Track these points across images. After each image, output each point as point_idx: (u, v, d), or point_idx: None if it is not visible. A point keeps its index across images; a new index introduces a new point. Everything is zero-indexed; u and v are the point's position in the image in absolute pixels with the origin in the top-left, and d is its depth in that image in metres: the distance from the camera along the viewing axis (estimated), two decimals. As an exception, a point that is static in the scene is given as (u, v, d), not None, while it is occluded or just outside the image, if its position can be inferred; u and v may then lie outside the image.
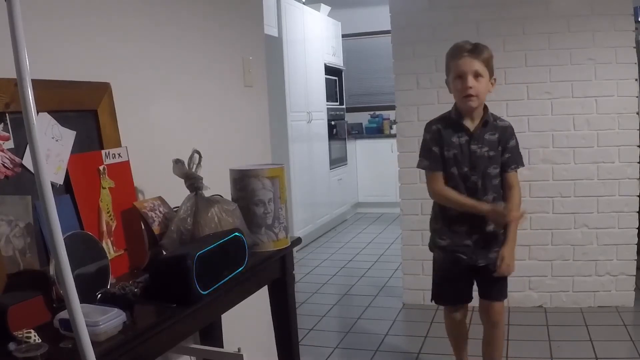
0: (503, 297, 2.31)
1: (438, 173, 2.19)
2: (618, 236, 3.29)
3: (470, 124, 2.18)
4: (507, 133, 2.20)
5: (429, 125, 2.24)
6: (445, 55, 2.22)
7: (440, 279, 2.35)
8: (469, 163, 2.16)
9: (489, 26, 3.35)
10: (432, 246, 2.35)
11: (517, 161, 2.23)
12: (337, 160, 6.47)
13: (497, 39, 3.34)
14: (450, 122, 2.20)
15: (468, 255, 2.22)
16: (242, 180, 1.76)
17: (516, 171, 2.23)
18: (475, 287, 2.37)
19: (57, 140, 1.46)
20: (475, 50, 2.12)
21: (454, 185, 2.18)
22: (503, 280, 2.28)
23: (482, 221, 2.18)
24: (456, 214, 2.20)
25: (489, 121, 2.18)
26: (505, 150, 2.19)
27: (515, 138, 2.23)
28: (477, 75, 2.10)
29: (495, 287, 2.28)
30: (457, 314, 2.37)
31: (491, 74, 2.17)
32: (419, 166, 2.25)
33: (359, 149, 7.07)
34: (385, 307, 3.63)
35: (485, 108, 2.20)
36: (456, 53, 2.14)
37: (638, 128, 3.23)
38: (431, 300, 2.43)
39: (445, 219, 2.25)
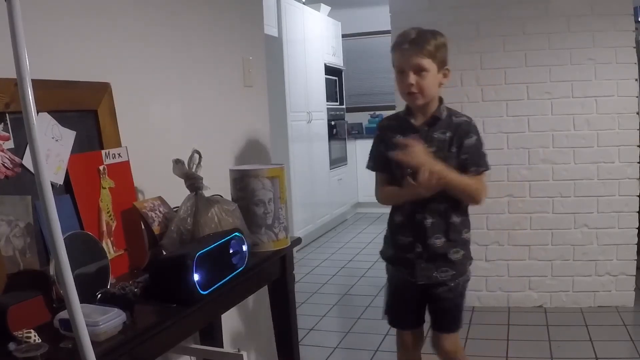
0: (455, 328, 1.97)
1: (381, 176, 1.96)
2: (618, 236, 3.29)
3: (418, 122, 1.88)
4: (461, 130, 1.84)
5: (381, 121, 2.04)
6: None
7: (389, 295, 2.05)
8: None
9: (489, 26, 3.35)
10: (381, 256, 2.07)
11: (478, 162, 1.85)
12: (337, 160, 6.47)
13: (497, 39, 3.34)
14: (398, 120, 1.95)
15: (408, 271, 1.92)
16: (242, 180, 1.77)
17: (479, 174, 1.85)
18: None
19: (57, 140, 1.46)
20: (419, 40, 1.79)
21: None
22: (455, 308, 1.95)
23: (427, 234, 1.87)
24: (400, 222, 1.93)
25: (439, 118, 1.86)
26: (460, 149, 1.84)
27: (476, 136, 1.86)
28: (419, 70, 1.79)
29: (445, 316, 1.96)
30: (406, 341, 2.04)
31: (441, 65, 1.83)
32: (366, 166, 2.01)
33: (359, 149, 7.06)
34: (385, 307, 3.63)
35: (440, 102, 1.89)
36: (397, 44, 1.84)
37: (638, 128, 3.23)
38: (382, 318, 2.12)
39: (391, 226, 1.99)
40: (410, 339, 2.04)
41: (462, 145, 1.84)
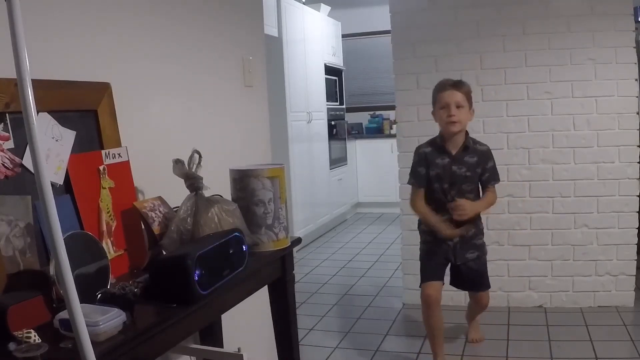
0: (488, 286, 2.73)
1: (420, 190, 2.60)
2: (618, 236, 3.29)
3: (452, 148, 2.55)
4: (485, 156, 2.58)
5: (417, 149, 2.64)
6: (433, 88, 2.58)
7: (429, 255, 2.65)
8: (449, 180, 2.54)
9: (489, 26, 3.35)
10: (420, 233, 2.72)
11: (495, 178, 2.63)
12: (337, 160, 6.47)
13: (497, 39, 3.34)
14: (436, 146, 2.58)
15: (446, 255, 2.62)
16: (242, 180, 1.77)
17: (494, 186, 2.63)
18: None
19: (57, 140, 1.46)
20: (458, 84, 2.52)
21: (436, 197, 2.57)
22: (484, 274, 2.69)
23: (458, 227, 2.56)
24: (445, 219, 2.57)
25: (469, 146, 2.56)
26: (485, 171, 2.58)
27: (493, 158, 2.61)
28: (458, 105, 2.47)
29: (480, 280, 2.70)
30: (432, 292, 2.57)
31: (470, 105, 2.53)
32: (408, 182, 2.65)
33: (359, 149, 7.07)
34: (385, 307, 3.63)
35: (466, 134, 2.57)
36: (441, 87, 2.54)
37: (638, 128, 3.23)
38: (419, 286, 2.64)
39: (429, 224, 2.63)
40: (437, 288, 2.59)
41: (485, 168, 2.59)
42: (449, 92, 2.50)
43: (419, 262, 2.69)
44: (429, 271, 2.63)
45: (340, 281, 4.29)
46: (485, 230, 3.37)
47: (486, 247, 2.72)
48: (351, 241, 5.64)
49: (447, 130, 2.52)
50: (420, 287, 2.63)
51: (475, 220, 2.62)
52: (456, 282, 2.76)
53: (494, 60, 3.36)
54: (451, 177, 2.54)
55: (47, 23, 1.49)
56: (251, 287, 1.72)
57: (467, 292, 2.93)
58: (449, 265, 2.67)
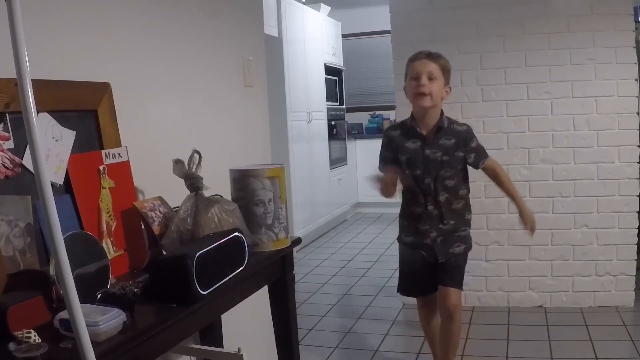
0: (460, 284, 2.35)
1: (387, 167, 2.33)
2: (618, 236, 3.29)
3: (424, 129, 2.26)
4: (464, 137, 2.28)
5: (386, 131, 2.42)
6: (407, 62, 2.32)
7: (405, 272, 2.47)
8: (422, 166, 2.26)
9: (489, 26, 3.36)
10: (399, 241, 2.47)
11: (484, 155, 2.34)
12: (337, 160, 6.47)
13: (497, 39, 3.34)
14: (406, 128, 2.30)
15: (428, 253, 2.33)
16: (242, 180, 1.76)
17: (488, 158, 2.34)
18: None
19: (57, 140, 1.46)
20: (433, 55, 2.25)
21: (410, 187, 2.31)
22: (461, 269, 2.36)
23: (440, 219, 2.30)
24: (418, 213, 2.32)
25: (442, 127, 2.25)
26: (468, 151, 2.29)
27: (475, 138, 2.31)
28: (430, 76, 2.19)
29: (454, 275, 2.35)
30: (425, 306, 2.48)
31: (447, 82, 2.25)
32: (378, 168, 2.37)
33: (359, 149, 7.07)
34: (385, 307, 3.63)
35: (441, 113, 2.27)
36: (414, 56, 2.28)
37: (638, 128, 3.23)
38: (397, 292, 2.57)
39: (410, 216, 2.36)
40: (433, 301, 2.41)
41: (468, 148, 2.29)
42: (420, 61, 2.22)
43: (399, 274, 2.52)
44: (406, 283, 2.48)
45: (340, 281, 4.29)
46: (485, 230, 3.42)
47: (471, 240, 2.43)
48: (351, 241, 5.64)
49: (415, 105, 2.24)
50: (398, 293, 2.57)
51: (459, 210, 2.33)
52: None
53: (494, 60, 3.36)
54: (424, 162, 2.25)
55: (47, 23, 1.49)
56: (251, 287, 1.72)
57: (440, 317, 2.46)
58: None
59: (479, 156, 2.33)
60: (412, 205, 2.34)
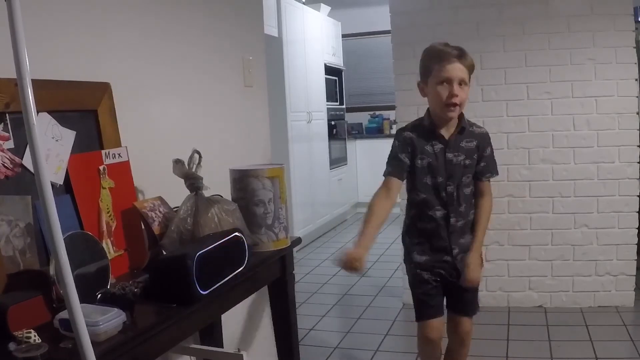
0: (473, 312, 2.14)
1: (392, 179, 2.02)
2: (618, 236, 3.29)
3: (445, 132, 2.01)
4: (484, 140, 2.06)
5: (399, 132, 2.06)
6: (422, 56, 2.02)
7: (422, 295, 2.10)
8: (445, 172, 2.00)
9: (489, 26, 3.35)
10: (408, 262, 2.15)
11: (492, 170, 2.10)
12: (337, 160, 6.47)
13: (497, 39, 3.34)
14: (423, 130, 2.02)
15: (447, 271, 2.06)
16: (242, 180, 1.77)
17: (489, 180, 2.09)
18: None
19: (57, 140, 1.46)
20: (463, 55, 1.95)
21: (426, 197, 2.02)
22: (473, 293, 2.12)
23: (459, 235, 2.04)
24: (432, 228, 2.05)
25: (465, 128, 2.02)
26: (481, 158, 2.05)
27: (491, 146, 2.09)
28: (462, 83, 1.93)
29: (471, 302, 2.12)
30: (433, 330, 2.10)
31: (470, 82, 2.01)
32: (384, 173, 2.07)
33: (359, 149, 7.07)
34: (385, 307, 3.63)
35: (461, 114, 2.02)
36: (443, 56, 1.94)
37: (638, 128, 3.23)
38: (417, 321, 2.14)
39: (421, 233, 2.09)
40: (439, 327, 2.11)
41: (482, 155, 2.05)
42: (453, 65, 1.92)
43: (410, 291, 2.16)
44: (425, 307, 2.09)
45: (340, 281, 4.29)
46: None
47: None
48: (351, 241, 5.63)
49: (444, 114, 1.96)
50: (416, 322, 2.14)
51: (472, 221, 2.08)
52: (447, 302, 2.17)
53: (494, 60, 3.36)
54: (446, 167, 1.99)
55: (47, 23, 1.49)
56: (251, 287, 1.72)
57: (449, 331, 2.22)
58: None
59: (489, 167, 2.08)
60: (422, 221, 2.07)
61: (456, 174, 2.01)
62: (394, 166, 2.03)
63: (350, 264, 1.92)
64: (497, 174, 2.12)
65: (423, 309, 2.11)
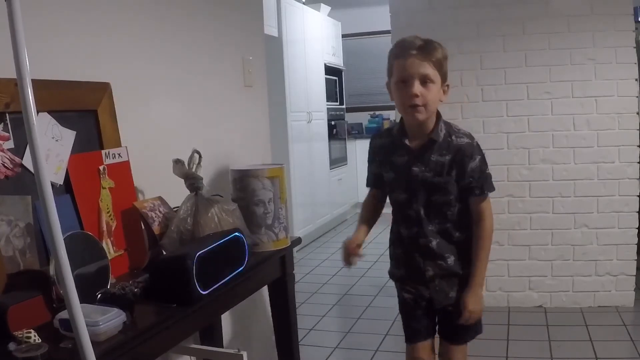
0: (465, 340, 1.88)
1: (372, 189, 1.90)
2: (618, 236, 3.29)
3: (413, 140, 1.74)
4: (462, 154, 1.70)
5: (372, 138, 1.89)
6: (389, 53, 1.73)
7: (405, 319, 1.93)
8: (406, 188, 1.74)
9: (489, 26, 3.35)
10: (391, 276, 1.95)
11: (483, 186, 1.74)
12: (337, 160, 6.47)
13: (497, 39, 3.34)
14: (394, 137, 1.78)
15: (424, 292, 1.83)
16: (242, 180, 1.77)
17: (484, 197, 1.76)
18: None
19: (57, 140, 1.46)
20: (426, 48, 1.64)
21: (396, 213, 1.83)
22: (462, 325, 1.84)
23: (436, 256, 1.77)
24: (411, 239, 1.80)
25: (436, 140, 1.70)
26: (463, 174, 1.71)
27: (479, 156, 1.72)
28: (426, 80, 1.63)
29: (456, 329, 1.83)
30: (420, 352, 1.89)
31: (444, 79, 1.68)
32: (366, 185, 1.94)
33: (359, 149, 7.06)
34: (385, 307, 3.63)
35: (438, 118, 1.73)
36: (402, 51, 1.66)
37: (638, 128, 3.23)
38: (406, 342, 1.96)
39: (402, 243, 1.84)
40: (428, 347, 1.89)
41: (465, 170, 1.71)
42: (411, 60, 1.63)
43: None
44: (409, 330, 1.91)
45: (340, 281, 4.29)
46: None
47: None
48: (351, 241, 5.63)
49: (408, 118, 1.71)
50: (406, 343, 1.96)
51: (465, 242, 1.79)
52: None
53: (494, 60, 3.36)
54: (409, 183, 1.73)
55: (47, 23, 1.49)
56: (251, 287, 1.72)
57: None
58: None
59: (476, 183, 1.72)
60: (398, 234, 1.85)
61: (420, 192, 1.73)
62: (369, 177, 1.90)
63: (347, 251, 1.84)
64: (490, 190, 1.77)
65: (408, 332, 1.93)
